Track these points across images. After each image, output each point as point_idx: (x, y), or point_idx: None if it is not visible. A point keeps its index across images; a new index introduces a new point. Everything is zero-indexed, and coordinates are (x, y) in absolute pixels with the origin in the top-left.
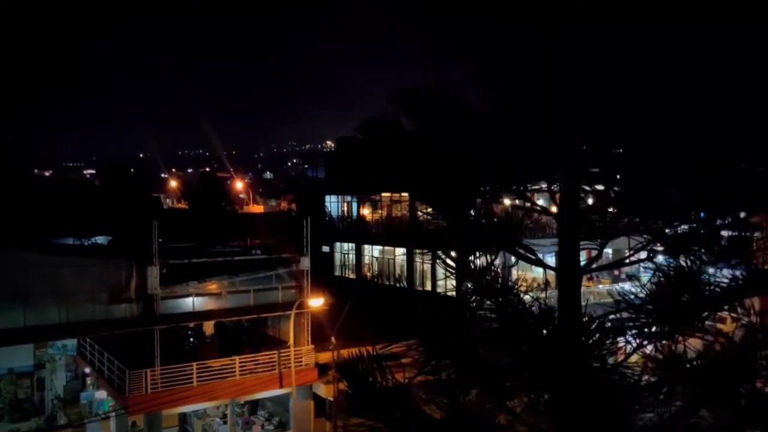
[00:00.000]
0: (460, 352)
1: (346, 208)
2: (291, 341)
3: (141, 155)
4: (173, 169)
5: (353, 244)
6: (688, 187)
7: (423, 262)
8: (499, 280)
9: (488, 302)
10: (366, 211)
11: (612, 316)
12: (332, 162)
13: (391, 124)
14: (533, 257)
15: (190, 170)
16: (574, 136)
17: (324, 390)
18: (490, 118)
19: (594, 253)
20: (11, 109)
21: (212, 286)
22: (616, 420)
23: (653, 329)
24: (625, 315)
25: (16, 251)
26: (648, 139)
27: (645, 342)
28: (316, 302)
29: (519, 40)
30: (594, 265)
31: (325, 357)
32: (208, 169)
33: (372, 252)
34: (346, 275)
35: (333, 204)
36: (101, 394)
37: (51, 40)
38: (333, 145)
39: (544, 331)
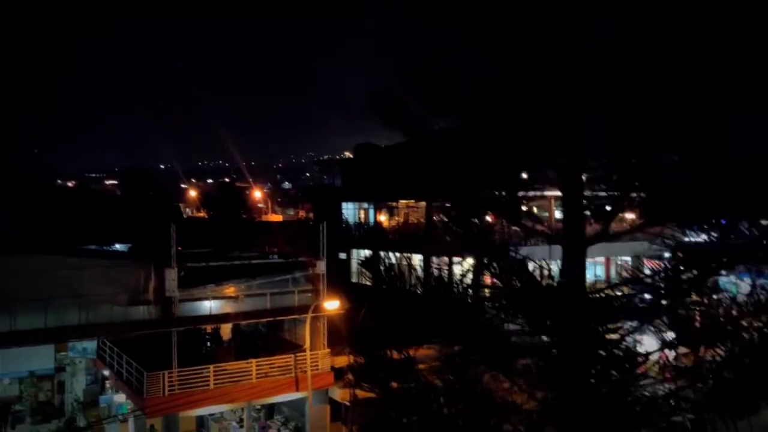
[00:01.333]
0: (466, 318)
1: (362, 215)
2: (307, 345)
3: (162, 166)
4: (193, 180)
5: (370, 251)
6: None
7: (440, 270)
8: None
9: (493, 265)
10: (383, 218)
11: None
12: (349, 169)
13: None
14: (539, 227)
15: (209, 180)
16: (578, 110)
17: (340, 394)
18: (494, 87)
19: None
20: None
21: (229, 289)
22: (615, 385)
23: (658, 298)
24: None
25: (37, 254)
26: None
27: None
28: (332, 305)
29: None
30: (598, 237)
31: (341, 361)
32: (227, 180)
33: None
34: (363, 282)
35: (350, 211)
36: (120, 397)
37: (75, 54)
38: (351, 155)
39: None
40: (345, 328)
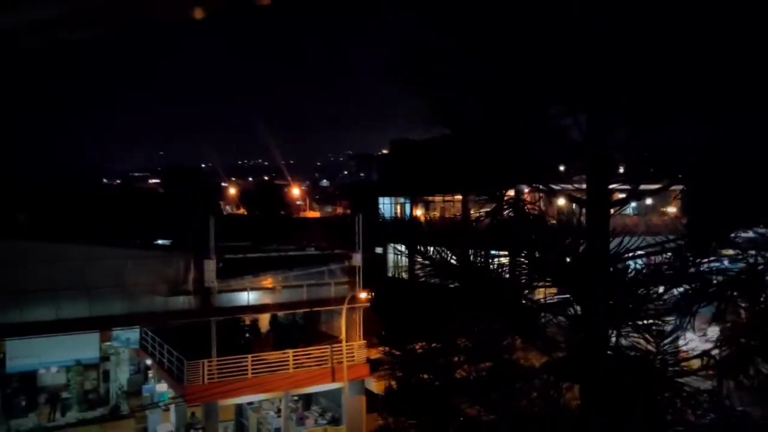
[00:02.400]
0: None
1: (399, 210)
2: (342, 335)
3: (203, 165)
4: (233, 178)
5: (406, 246)
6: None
7: (479, 264)
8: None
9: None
10: (419, 212)
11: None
12: (385, 165)
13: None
14: (566, 187)
15: (249, 179)
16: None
17: (376, 386)
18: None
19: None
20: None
21: (267, 280)
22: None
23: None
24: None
25: (81, 245)
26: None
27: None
28: (367, 297)
29: None
30: (623, 201)
31: (377, 353)
32: (266, 178)
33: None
34: (400, 276)
35: (386, 206)
36: (162, 386)
37: (119, 57)
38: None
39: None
40: (379, 320)
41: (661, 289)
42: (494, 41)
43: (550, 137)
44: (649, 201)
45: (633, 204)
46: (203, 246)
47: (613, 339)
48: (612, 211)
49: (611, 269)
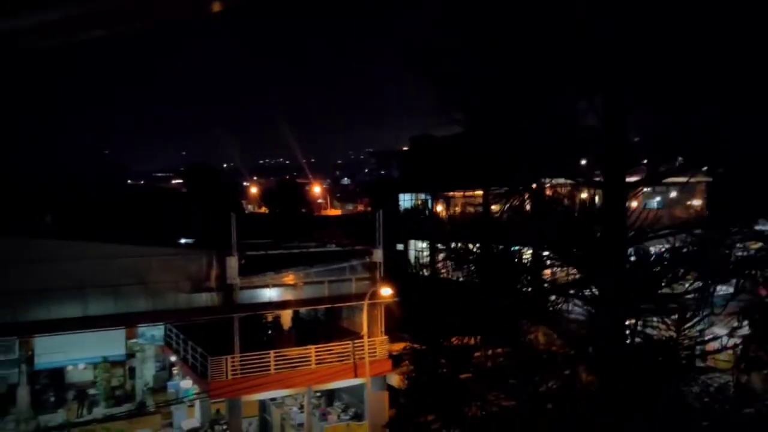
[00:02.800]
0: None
1: (420, 206)
2: (364, 331)
3: (224, 165)
4: (255, 177)
5: (427, 242)
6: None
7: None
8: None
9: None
10: (439, 209)
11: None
12: (405, 161)
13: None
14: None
15: (270, 178)
16: (618, 52)
17: (398, 381)
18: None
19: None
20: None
21: (288, 277)
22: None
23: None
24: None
25: (106, 243)
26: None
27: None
28: (389, 292)
29: None
30: (640, 182)
31: (399, 348)
32: (287, 177)
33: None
34: (421, 271)
35: (407, 202)
36: (186, 383)
37: (140, 58)
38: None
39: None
40: (401, 316)
41: (681, 272)
42: (500, 38)
43: (565, 128)
44: (673, 194)
45: (658, 198)
46: (225, 244)
47: (632, 323)
48: (630, 195)
49: (629, 250)
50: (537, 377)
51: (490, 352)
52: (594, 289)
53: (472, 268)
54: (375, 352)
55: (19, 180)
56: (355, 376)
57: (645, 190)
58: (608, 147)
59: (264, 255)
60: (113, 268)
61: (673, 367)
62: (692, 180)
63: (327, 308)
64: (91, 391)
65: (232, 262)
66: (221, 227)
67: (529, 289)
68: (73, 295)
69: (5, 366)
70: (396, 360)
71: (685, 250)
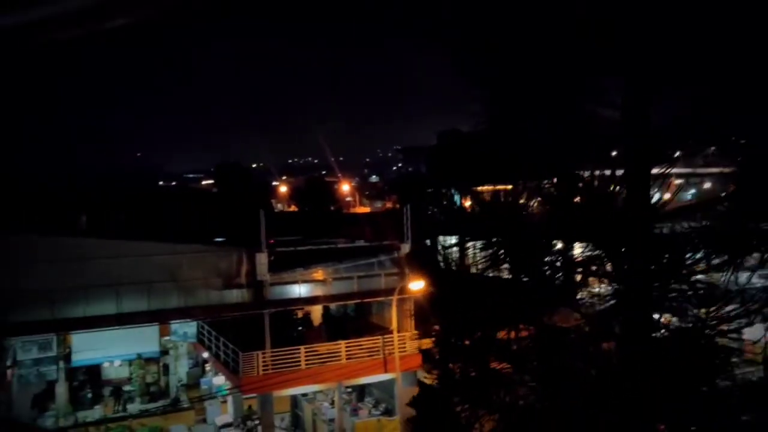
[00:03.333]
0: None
1: (447, 201)
2: (394, 326)
3: (254, 165)
4: (284, 177)
5: (456, 237)
6: None
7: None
8: None
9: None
10: (468, 204)
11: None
12: (433, 157)
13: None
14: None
15: (300, 177)
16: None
17: (427, 376)
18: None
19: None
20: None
21: (317, 273)
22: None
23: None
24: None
25: (139, 241)
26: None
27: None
28: (418, 286)
29: None
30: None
31: (429, 343)
32: (316, 175)
33: (475, 244)
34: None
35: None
36: (219, 379)
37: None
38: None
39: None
40: (431, 311)
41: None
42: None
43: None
44: (708, 185)
45: (693, 191)
46: (256, 242)
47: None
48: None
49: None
50: (561, 356)
51: (513, 335)
52: (618, 265)
53: (501, 253)
54: (405, 347)
55: (51, 182)
56: (386, 371)
57: (677, 182)
58: (632, 132)
59: (293, 251)
60: (147, 266)
61: (698, 347)
62: (725, 170)
63: (356, 304)
64: (127, 388)
65: (262, 259)
66: (251, 226)
67: (557, 265)
68: (108, 292)
69: (44, 363)
70: (426, 355)
71: (708, 224)
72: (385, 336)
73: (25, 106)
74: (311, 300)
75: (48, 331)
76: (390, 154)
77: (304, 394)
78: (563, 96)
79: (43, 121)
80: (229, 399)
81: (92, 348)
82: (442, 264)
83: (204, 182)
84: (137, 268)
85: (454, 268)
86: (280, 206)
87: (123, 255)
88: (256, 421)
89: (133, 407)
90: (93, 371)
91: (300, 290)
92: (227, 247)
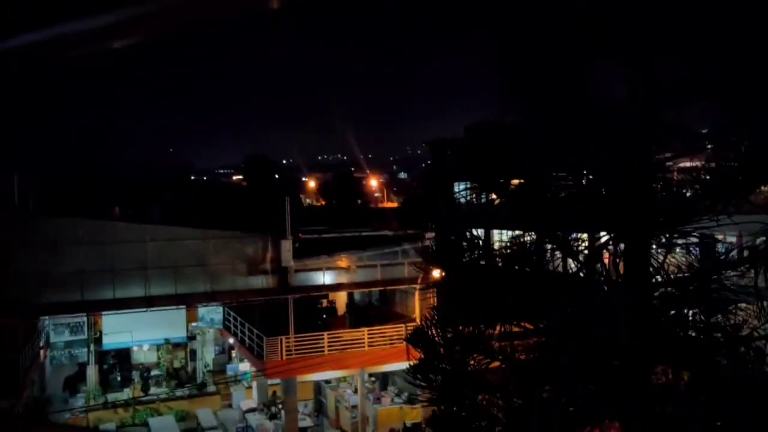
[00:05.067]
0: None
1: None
2: (417, 314)
3: (284, 161)
4: (313, 173)
5: (482, 230)
6: None
7: (552, 249)
8: None
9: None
10: (493, 195)
11: None
12: (460, 150)
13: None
14: None
15: (328, 173)
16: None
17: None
18: None
19: None
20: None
21: (341, 260)
22: None
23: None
24: None
25: (166, 225)
26: None
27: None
28: (439, 275)
29: None
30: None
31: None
32: (345, 171)
33: (501, 236)
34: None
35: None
36: (245, 365)
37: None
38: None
39: None
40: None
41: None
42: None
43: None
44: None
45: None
46: (282, 232)
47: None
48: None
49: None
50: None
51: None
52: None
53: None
54: None
55: (89, 175)
56: (408, 359)
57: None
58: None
59: (317, 239)
60: (174, 251)
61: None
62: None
63: (380, 293)
64: (155, 372)
65: (287, 245)
66: (278, 217)
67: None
68: (137, 275)
69: (76, 346)
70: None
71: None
72: (408, 324)
73: (70, 109)
74: (335, 287)
75: (78, 311)
76: (419, 152)
77: (328, 381)
78: (591, 86)
79: (87, 123)
80: (254, 385)
81: (122, 332)
82: (466, 256)
83: (234, 177)
84: (165, 253)
85: (481, 261)
86: (308, 201)
87: (151, 239)
88: (280, 406)
89: (161, 391)
90: (122, 355)
91: (324, 277)
92: (253, 234)
